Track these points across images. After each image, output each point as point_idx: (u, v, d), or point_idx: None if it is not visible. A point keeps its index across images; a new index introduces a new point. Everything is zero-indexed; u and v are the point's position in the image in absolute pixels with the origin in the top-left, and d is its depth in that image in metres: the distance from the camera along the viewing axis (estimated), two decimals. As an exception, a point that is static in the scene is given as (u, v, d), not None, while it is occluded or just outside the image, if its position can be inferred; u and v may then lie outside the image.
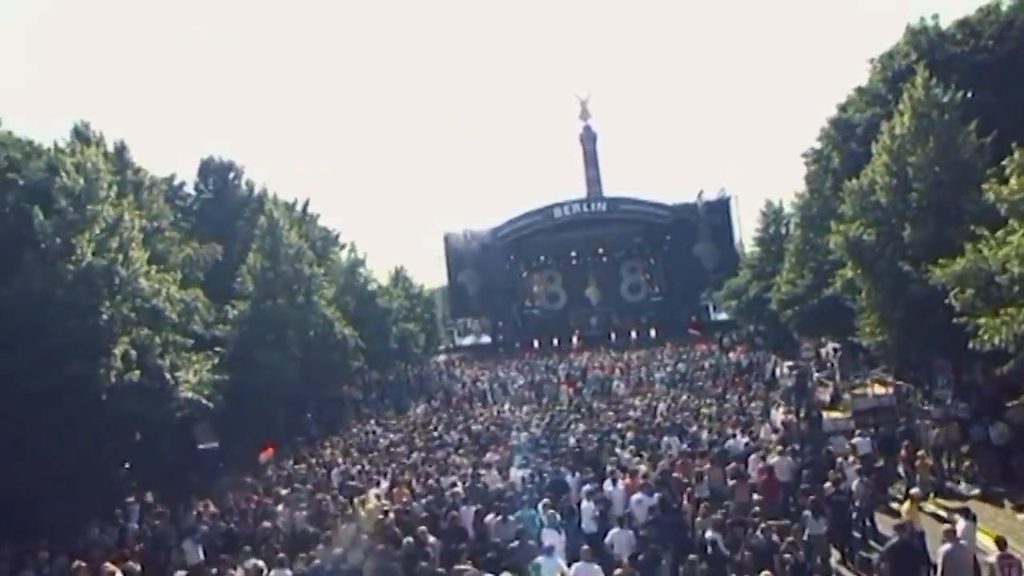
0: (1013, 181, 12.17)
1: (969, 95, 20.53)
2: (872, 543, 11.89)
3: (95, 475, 15.71)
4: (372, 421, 25.75)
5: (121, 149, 24.17)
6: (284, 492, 15.02)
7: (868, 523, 11.99)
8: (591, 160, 73.73)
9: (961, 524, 9.64)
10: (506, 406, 26.11)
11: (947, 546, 8.89)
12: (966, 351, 14.65)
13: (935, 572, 9.04)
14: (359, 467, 16.95)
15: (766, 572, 8.38)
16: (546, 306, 60.52)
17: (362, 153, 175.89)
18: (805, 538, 10.10)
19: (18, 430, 13.76)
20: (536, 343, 51.97)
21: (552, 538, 10.16)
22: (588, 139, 72.90)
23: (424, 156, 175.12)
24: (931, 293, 15.94)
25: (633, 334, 51.28)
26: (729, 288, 38.15)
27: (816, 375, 22.61)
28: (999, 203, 12.40)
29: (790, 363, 24.76)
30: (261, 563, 10.67)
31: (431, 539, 10.66)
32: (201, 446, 18.30)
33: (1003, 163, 13.13)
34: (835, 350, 23.68)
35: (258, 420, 23.09)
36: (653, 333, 50.13)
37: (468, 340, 59.69)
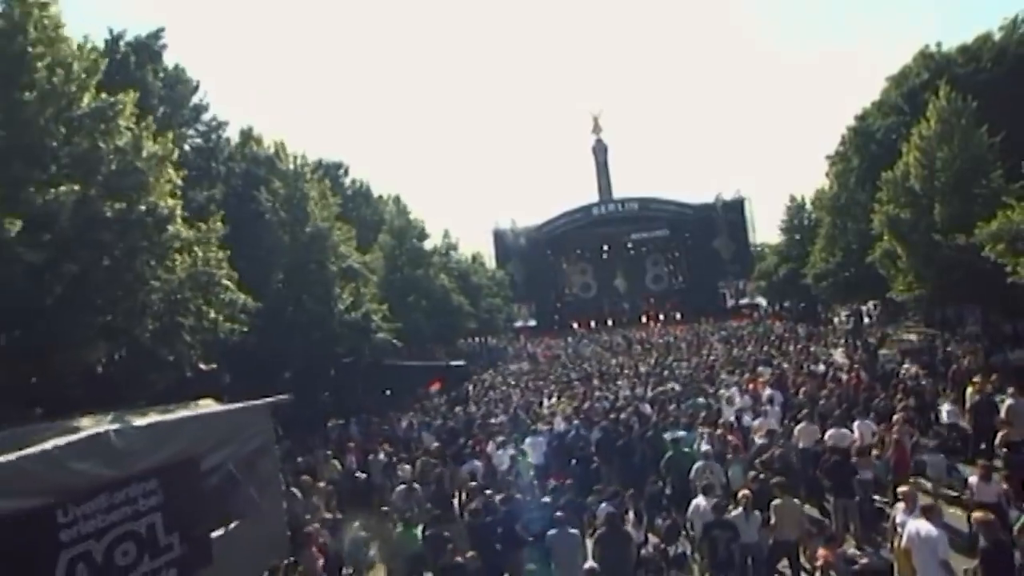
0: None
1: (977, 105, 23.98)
2: (936, 426, 15.16)
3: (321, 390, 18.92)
4: (490, 371, 28.99)
5: (280, 147, 27.56)
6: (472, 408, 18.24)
7: (934, 411, 15.24)
8: (602, 170, 77.12)
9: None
10: (593, 361, 29.32)
11: (1010, 401, 12.11)
12: (986, 297, 17.96)
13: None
14: (515, 391, 20.20)
15: (897, 416, 11.60)
16: (580, 294, 63.94)
17: (402, 162, 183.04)
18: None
19: (287, 349, 16.97)
20: (576, 325, 55.40)
21: (731, 412, 13.41)
22: (600, 151, 76.21)
23: (463, 164, 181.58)
24: (957, 256, 19.32)
25: (661, 317, 54.84)
26: (759, 271, 41.57)
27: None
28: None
29: (847, 312, 28.05)
30: (504, 439, 13.82)
31: (632, 419, 13.86)
32: (452, 363, 21.48)
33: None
34: (875, 306, 26.94)
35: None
36: (678, 316, 53.63)
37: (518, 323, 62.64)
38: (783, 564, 7.70)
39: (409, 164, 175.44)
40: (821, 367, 18.17)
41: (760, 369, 18.95)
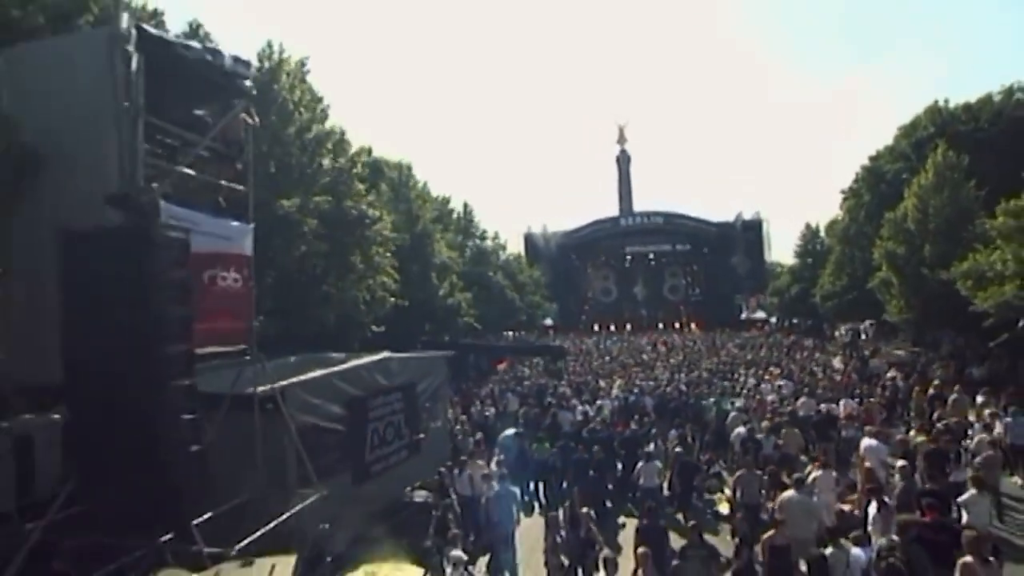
0: (1000, 218, 20.04)
1: (972, 159, 28.47)
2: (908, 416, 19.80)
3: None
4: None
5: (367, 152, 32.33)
6: (542, 381, 23.04)
7: (906, 405, 19.89)
8: (625, 179, 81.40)
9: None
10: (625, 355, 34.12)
11: (955, 396, 16.76)
12: (961, 323, 22.57)
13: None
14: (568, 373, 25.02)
15: (873, 400, 16.31)
16: (600, 298, 68.71)
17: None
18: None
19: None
20: (596, 326, 60.21)
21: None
22: (623, 161, 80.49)
23: (491, 167, 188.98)
24: (941, 288, 23.92)
25: (676, 325, 59.59)
26: (773, 288, 46.29)
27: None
28: (992, 230, 20.25)
29: (846, 327, 32.81)
30: (584, 398, 18.55)
31: (674, 392, 18.64)
32: (552, 344, 26.15)
33: (996, 208, 20.99)
34: (871, 325, 31.58)
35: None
36: (693, 325, 58.36)
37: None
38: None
39: (441, 165, 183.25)
40: (819, 369, 22.84)
41: (771, 368, 23.64)
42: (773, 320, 51.94)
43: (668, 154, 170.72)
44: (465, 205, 34.06)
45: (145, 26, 7.01)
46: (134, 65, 6.35)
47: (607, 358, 31.54)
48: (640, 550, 6.96)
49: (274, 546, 6.50)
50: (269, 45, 16.53)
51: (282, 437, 8.95)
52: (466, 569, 8.72)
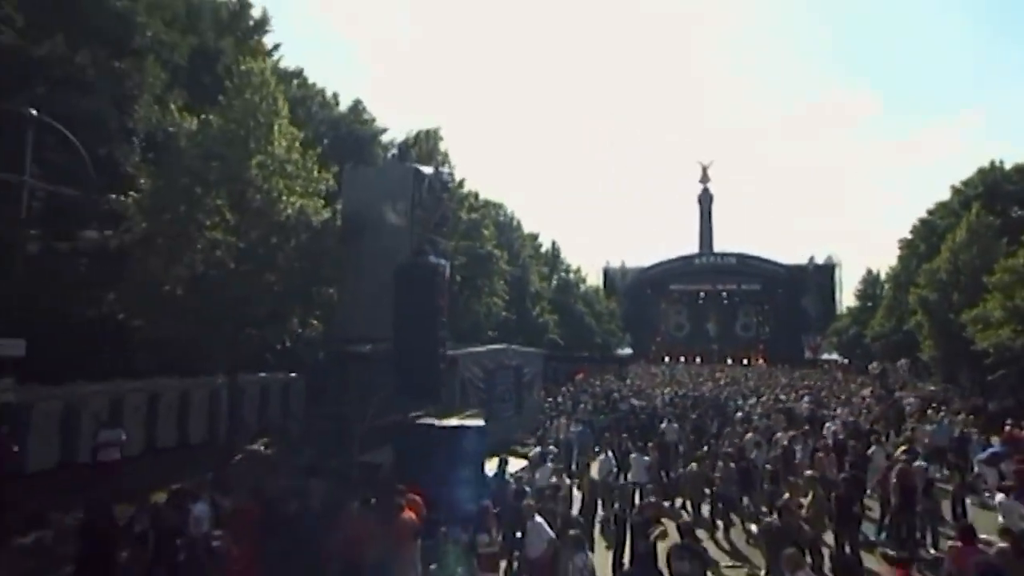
0: (998, 274, 24.64)
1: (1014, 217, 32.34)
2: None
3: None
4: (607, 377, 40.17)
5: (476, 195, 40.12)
6: (612, 386, 29.42)
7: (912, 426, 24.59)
8: (706, 218, 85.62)
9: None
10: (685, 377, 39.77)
11: (941, 413, 21.69)
12: (973, 362, 26.92)
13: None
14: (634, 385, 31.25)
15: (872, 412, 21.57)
16: (673, 332, 73.47)
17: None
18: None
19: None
20: (667, 358, 65.13)
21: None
22: (706, 200, 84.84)
23: (572, 198, 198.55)
24: (960, 330, 28.21)
25: (745, 361, 63.48)
26: (833, 329, 50.10)
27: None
28: (988, 283, 24.84)
29: (875, 363, 36.91)
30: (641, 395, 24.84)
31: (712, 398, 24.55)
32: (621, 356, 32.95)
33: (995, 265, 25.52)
34: (905, 362, 35.42)
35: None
36: (761, 361, 62.10)
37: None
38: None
39: (526, 196, 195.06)
40: (855, 398, 27.75)
41: (802, 391, 28.73)
42: (838, 359, 55.06)
43: (751, 193, 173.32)
44: (554, 243, 41.21)
45: (420, 167, 14.60)
46: (421, 187, 13.88)
47: (664, 379, 37.24)
48: (650, 444, 13.43)
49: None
50: (427, 132, 24.48)
51: (455, 382, 16.19)
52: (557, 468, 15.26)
